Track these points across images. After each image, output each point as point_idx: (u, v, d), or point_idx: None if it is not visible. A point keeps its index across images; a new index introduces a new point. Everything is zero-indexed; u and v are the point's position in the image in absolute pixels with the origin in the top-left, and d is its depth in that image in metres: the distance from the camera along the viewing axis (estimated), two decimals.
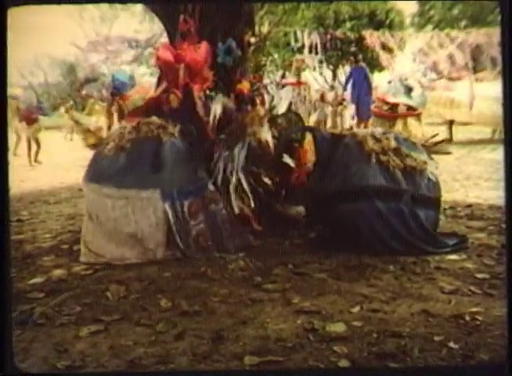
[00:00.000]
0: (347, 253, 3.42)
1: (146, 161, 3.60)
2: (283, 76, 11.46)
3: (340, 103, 11.64)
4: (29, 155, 10.21)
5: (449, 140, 11.26)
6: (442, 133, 11.48)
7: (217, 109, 4.00)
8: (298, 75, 10.31)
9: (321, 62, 13.92)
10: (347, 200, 3.57)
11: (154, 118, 3.84)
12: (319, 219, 3.81)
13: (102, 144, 3.81)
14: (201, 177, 3.74)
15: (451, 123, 11.53)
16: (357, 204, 3.55)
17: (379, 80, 12.47)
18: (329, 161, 3.77)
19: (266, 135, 4.11)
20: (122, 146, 3.63)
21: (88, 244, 3.55)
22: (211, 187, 3.73)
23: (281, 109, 4.71)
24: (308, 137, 3.88)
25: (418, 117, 11.23)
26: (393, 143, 3.75)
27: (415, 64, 12.61)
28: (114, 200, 3.51)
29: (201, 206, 3.64)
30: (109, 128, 8.98)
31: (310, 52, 12.95)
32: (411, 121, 11.17)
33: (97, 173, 3.65)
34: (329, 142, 3.86)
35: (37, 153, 10.33)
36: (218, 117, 3.98)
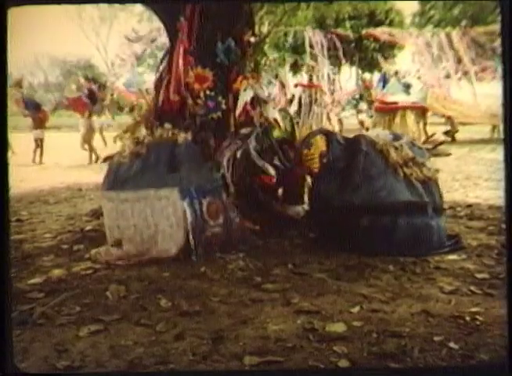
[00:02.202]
0: (347, 253, 3.42)
1: (163, 162, 3.57)
2: (276, 76, 11.50)
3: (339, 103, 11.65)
4: (35, 155, 10.46)
5: (452, 137, 11.25)
6: (443, 133, 11.49)
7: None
8: (311, 78, 10.38)
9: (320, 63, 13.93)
10: (371, 214, 3.48)
11: (167, 125, 3.81)
12: (334, 231, 3.64)
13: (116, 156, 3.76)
14: (217, 178, 3.71)
15: (452, 119, 11.53)
16: (381, 219, 3.47)
17: (379, 81, 12.48)
18: (348, 170, 3.64)
19: (273, 113, 4.09)
20: (138, 152, 3.59)
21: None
22: (232, 189, 3.73)
23: (293, 107, 4.69)
24: (319, 141, 3.82)
25: (419, 111, 11.22)
26: (409, 152, 3.69)
27: (414, 63, 12.64)
28: (133, 204, 3.47)
29: (221, 208, 3.61)
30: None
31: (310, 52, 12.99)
32: (410, 114, 11.19)
33: (114, 180, 3.61)
34: (344, 148, 3.77)
35: (41, 153, 10.57)
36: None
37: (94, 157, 10.47)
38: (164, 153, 3.60)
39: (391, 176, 3.60)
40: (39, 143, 10.74)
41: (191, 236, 3.43)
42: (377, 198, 3.53)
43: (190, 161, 3.62)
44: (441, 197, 3.71)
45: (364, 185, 3.58)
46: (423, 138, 11.02)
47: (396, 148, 3.72)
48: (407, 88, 11.69)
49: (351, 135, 4.02)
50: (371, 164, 3.65)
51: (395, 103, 11.42)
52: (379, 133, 3.99)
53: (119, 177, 3.59)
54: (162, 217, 3.45)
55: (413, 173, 3.61)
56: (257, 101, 4.20)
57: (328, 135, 3.90)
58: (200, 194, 3.54)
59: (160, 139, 3.65)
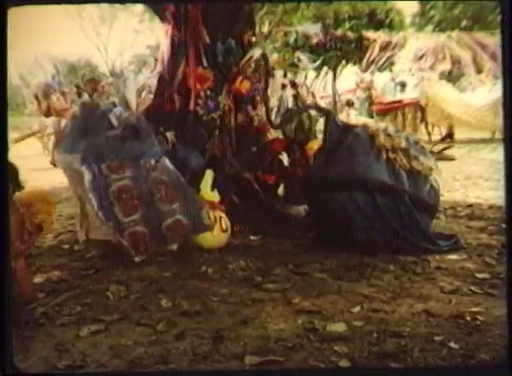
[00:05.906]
0: (348, 253, 3.42)
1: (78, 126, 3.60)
2: (285, 75, 11.42)
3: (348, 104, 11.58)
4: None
5: (451, 138, 11.24)
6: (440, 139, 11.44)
7: None
8: (295, 73, 10.26)
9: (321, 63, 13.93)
10: (347, 188, 3.52)
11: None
12: (316, 205, 3.74)
13: None
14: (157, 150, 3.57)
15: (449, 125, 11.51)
16: (355, 194, 3.50)
17: (377, 81, 12.45)
18: (335, 147, 3.70)
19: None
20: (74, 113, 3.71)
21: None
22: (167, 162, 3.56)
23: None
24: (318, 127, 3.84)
25: (416, 107, 11.19)
26: (403, 143, 3.70)
27: (413, 65, 12.63)
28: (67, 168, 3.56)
29: (129, 164, 3.43)
30: None
31: (311, 52, 12.96)
32: (409, 111, 11.18)
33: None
34: (340, 130, 3.80)
35: None
36: None
37: None
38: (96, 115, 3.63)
39: (372, 156, 3.60)
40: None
41: (90, 195, 3.29)
42: (354, 173, 3.56)
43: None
44: (430, 194, 3.68)
45: (345, 160, 3.62)
46: (424, 135, 11.01)
47: (388, 135, 3.72)
48: (402, 86, 11.72)
49: None
50: (358, 142, 3.67)
51: (394, 102, 11.42)
52: (382, 124, 4.02)
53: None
54: (81, 184, 3.38)
55: (398, 160, 3.60)
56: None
57: (328, 115, 3.94)
58: (98, 160, 3.38)
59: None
